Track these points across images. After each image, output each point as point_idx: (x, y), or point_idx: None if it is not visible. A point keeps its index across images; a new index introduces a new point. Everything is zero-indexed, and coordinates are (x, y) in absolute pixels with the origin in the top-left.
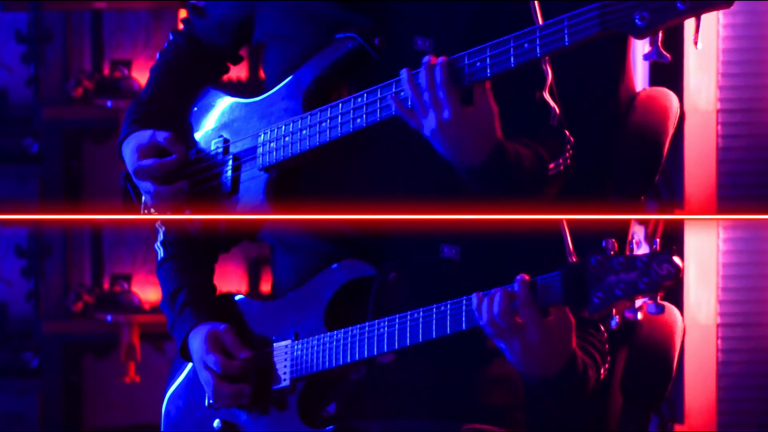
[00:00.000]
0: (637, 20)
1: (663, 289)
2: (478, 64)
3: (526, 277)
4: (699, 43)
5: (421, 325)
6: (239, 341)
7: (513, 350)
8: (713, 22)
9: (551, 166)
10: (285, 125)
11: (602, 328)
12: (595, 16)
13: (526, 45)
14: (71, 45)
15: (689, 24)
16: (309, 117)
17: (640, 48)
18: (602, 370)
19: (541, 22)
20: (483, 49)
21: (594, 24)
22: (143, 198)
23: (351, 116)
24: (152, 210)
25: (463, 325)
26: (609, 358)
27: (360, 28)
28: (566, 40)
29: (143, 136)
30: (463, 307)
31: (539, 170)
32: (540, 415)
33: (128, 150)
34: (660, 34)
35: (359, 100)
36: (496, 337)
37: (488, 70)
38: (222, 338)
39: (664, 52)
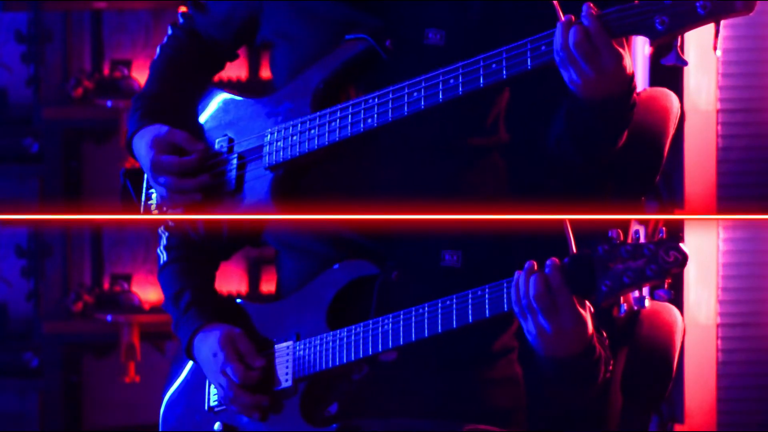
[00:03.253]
0: (657, 24)
1: (670, 276)
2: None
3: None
4: (718, 50)
5: (426, 320)
6: (253, 347)
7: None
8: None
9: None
10: (293, 125)
11: (604, 333)
12: (615, 19)
13: (543, 47)
14: (71, 45)
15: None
16: (318, 117)
17: (640, 48)
18: (609, 369)
19: (562, 18)
20: (499, 53)
21: (615, 27)
22: (143, 197)
23: (362, 116)
24: (154, 210)
25: (470, 318)
26: (612, 361)
27: (371, 29)
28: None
29: (159, 130)
30: (469, 301)
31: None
32: (547, 405)
33: (143, 143)
34: (679, 39)
35: (370, 101)
36: (527, 317)
37: (504, 72)
38: (237, 344)
39: (683, 57)
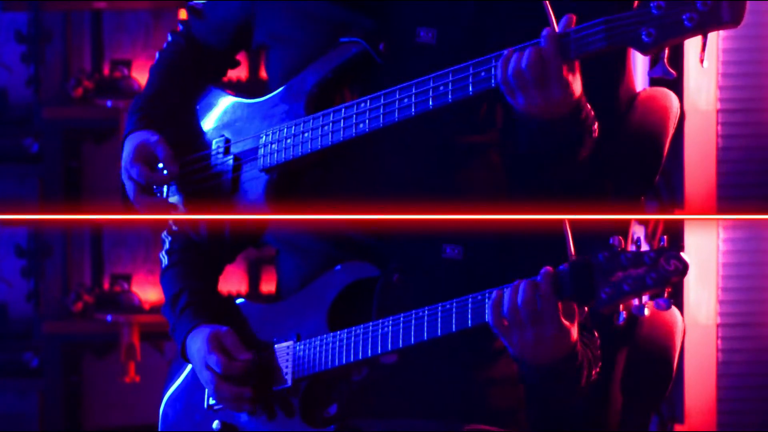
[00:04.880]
0: (644, 36)
1: (670, 285)
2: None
3: (550, 269)
4: (705, 62)
5: (426, 323)
6: (240, 343)
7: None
8: None
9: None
10: (287, 127)
11: (596, 333)
12: (601, 30)
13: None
14: (71, 45)
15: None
16: (312, 120)
17: None
18: (594, 372)
19: (554, 20)
20: (488, 59)
21: (600, 38)
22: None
23: (354, 121)
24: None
25: (469, 322)
26: (600, 363)
27: (364, 32)
28: (572, 53)
29: (147, 138)
30: (469, 305)
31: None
32: (538, 405)
33: (128, 146)
34: (666, 51)
35: (362, 105)
36: (510, 327)
37: (492, 81)
38: (223, 340)
39: (670, 69)
